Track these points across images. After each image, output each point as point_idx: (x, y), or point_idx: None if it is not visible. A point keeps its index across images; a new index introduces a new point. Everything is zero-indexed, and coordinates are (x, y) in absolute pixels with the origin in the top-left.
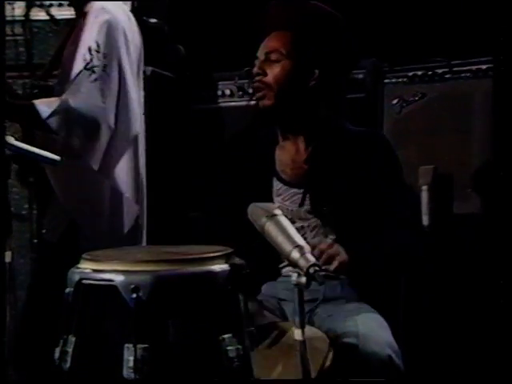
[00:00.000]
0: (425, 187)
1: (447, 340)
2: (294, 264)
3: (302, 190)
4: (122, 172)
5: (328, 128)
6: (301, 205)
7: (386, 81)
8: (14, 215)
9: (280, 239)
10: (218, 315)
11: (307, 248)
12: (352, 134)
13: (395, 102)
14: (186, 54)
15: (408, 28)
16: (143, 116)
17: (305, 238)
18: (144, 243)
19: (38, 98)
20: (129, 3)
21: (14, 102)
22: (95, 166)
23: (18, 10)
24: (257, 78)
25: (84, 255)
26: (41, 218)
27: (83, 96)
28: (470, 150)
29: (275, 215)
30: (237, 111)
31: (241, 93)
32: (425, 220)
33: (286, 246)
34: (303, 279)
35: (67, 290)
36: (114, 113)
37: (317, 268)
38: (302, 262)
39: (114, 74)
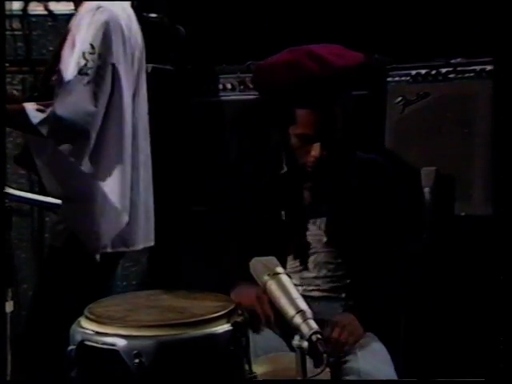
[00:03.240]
0: (427, 189)
1: (448, 354)
2: (296, 329)
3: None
4: (110, 174)
5: (336, 158)
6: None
7: (389, 79)
8: (15, 210)
9: (282, 301)
10: (220, 376)
11: (309, 313)
12: (357, 161)
13: (398, 100)
14: (187, 47)
15: (412, 26)
16: (147, 115)
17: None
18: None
19: (37, 101)
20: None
21: (5, 106)
22: (86, 169)
23: (16, 5)
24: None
25: (86, 312)
26: (42, 213)
27: (74, 101)
28: (472, 152)
29: (277, 274)
30: (238, 105)
31: (242, 86)
32: (426, 222)
33: (289, 309)
34: (305, 344)
35: (69, 347)
36: (103, 114)
37: (319, 336)
38: (304, 329)
39: (108, 75)
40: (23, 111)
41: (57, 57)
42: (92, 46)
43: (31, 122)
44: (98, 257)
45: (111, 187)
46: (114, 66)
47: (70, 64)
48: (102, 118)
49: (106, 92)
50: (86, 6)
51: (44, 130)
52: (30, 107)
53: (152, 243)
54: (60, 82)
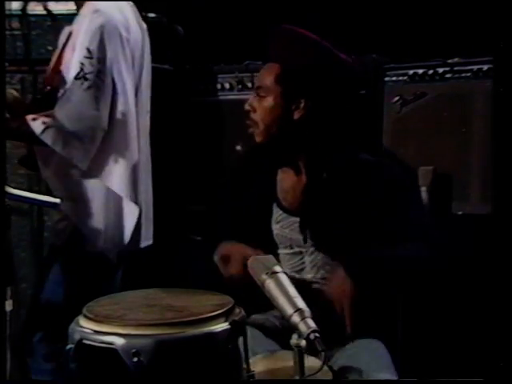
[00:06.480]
0: (424, 188)
1: (448, 354)
2: (294, 327)
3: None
4: (118, 173)
5: (327, 158)
6: (301, 233)
7: (387, 79)
8: (15, 209)
9: (281, 300)
10: (218, 374)
11: (308, 312)
12: (357, 162)
13: (395, 100)
14: (186, 46)
15: (409, 26)
16: (149, 113)
17: (302, 263)
18: (150, 240)
19: (40, 103)
20: None
21: (7, 121)
22: (91, 172)
23: (15, 5)
24: (248, 115)
25: (85, 311)
26: (41, 212)
27: (74, 107)
28: (469, 151)
29: (275, 272)
30: (236, 104)
31: (240, 86)
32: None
33: (287, 308)
34: (303, 342)
35: (68, 346)
36: (108, 117)
37: (317, 334)
38: (302, 327)
39: (108, 78)
40: (25, 123)
41: (59, 58)
42: (89, 51)
43: (34, 134)
44: (114, 258)
45: (119, 186)
46: (115, 68)
47: (70, 68)
48: (108, 119)
49: (107, 95)
50: (85, 8)
51: (48, 140)
52: (32, 119)
53: (151, 242)
54: (61, 84)
